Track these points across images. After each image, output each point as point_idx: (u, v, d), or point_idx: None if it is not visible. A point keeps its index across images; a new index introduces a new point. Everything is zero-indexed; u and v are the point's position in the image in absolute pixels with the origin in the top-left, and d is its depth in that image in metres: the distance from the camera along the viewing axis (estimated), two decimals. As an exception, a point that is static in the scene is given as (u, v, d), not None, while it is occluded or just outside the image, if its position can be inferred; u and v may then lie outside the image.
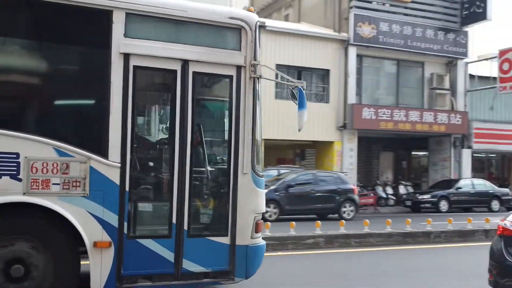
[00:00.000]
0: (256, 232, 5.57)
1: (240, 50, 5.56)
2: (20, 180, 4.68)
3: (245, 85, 5.54)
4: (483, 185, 21.22)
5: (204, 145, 5.61)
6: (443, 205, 19.43)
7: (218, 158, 6.01)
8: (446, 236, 10.86)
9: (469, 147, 22.92)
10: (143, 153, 5.62)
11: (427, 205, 19.39)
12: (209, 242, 5.46)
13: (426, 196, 19.76)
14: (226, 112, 5.67)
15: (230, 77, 5.54)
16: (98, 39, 5.17)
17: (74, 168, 4.84)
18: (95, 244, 4.91)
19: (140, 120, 5.52)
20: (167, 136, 5.48)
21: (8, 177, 4.63)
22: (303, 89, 5.61)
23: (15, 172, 4.67)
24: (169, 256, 5.25)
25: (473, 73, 23.35)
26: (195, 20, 5.41)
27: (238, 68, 5.53)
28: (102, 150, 4.96)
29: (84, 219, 4.88)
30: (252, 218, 5.53)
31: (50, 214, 4.78)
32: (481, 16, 20.91)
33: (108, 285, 4.97)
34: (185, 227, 5.28)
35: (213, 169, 5.77)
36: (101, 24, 5.08)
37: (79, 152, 4.86)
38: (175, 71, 5.33)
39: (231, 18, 5.52)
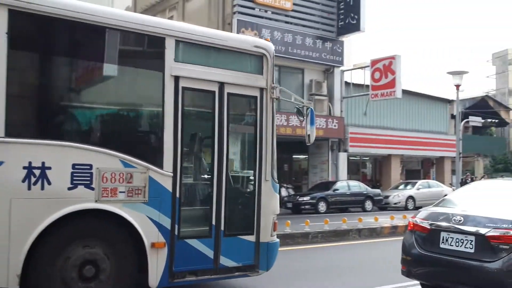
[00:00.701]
0: (274, 230, 6.49)
1: (262, 74, 6.46)
2: (93, 189, 5.22)
3: (266, 105, 6.45)
4: (357, 186, 22.54)
5: (239, 155, 6.72)
6: (322, 206, 20.30)
7: (246, 167, 6.89)
8: (323, 236, 11.36)
9: (345, 151, 24.23)
10: (189, 164, 6.30)
11: (307, 206, 20.13)
12: (240, 240, 6.28)
13: (306, 198, 20.51)
14: (252, 128, 6.51)
15: (255, 97, 6.43)
16: (155, 63, 5.89)
17: (136, 177, 5.46)
18: (152, 245, 5.55)
19: (186, 134, 6.07)
20: (208, 148, 6.22)
21: (83, 186, 5.18)
22: (313, 110, 6.90)
23: (88, 182, 5.22)
24: (209, 253, 6.00)
25: (349, 81, 24.74)
26: (229, 47, 6.29)
27: (261, 89, 6.43)
28: (158, 161, 5.63)
29: (144, 223, 5.52)
30: (271, 219, 6.46)
31: (115, 219, 5.39)
32: (355, 27, 22.23)
33: (163, 281, 5.63)
34: (222, 228, 6.06)
35: (243, 177, 6.69)
36: (157, 50, 5.84)
37: (140, 164, 5.50)
38: (213, 92, 6.12)
39: (256, 46, 6.45)
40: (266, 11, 20.96)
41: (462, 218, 5.89)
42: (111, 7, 8.72)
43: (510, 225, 5.53)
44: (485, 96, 51.06)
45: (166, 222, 5.68)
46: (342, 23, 22.52)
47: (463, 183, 29.82)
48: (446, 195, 9.28)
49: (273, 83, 6.49)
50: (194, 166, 6.41)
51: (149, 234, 5.54)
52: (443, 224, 6.03)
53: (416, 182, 25.10)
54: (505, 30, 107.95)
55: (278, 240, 6.65)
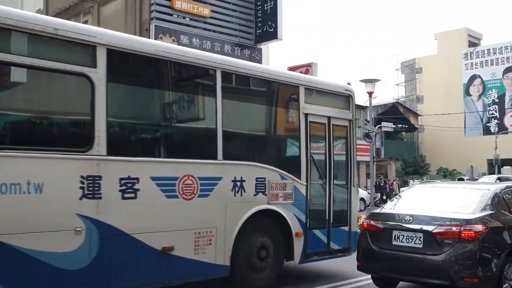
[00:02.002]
0: (357, 223, 8.63)
1: (349, 110, 9.06)
2: (266, 195, 7.46)
3: (352, 132, 9.05)
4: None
5: (338, 169, 8.89)
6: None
7: (343, 177, 8.97)
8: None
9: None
10: (313, 176, 8.31)
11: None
12: (341, 230, 8.68)
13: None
14: (344, 148, 9.03)
15: (346, 127, 8.98)
16: (294, 104, 8.18)
17: (288, 186, 7.77)
18: (296, 234, 7.81)
19: (312, 155, 8.31)
20: (322, 164, 8.51)
21: (261, 193, 7.40)
22: (382, 134, 10.57)
23: (264, 190, 7.43)
24: (325, 239, 8.37)
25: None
26: (331, 91, 8.85)
27: (350, 121, 9.01)
28: (298, 175, 7.96)
29: (291, 218, 7.77)
30: (357, 214, 9.06)
31: (273, 216, 7.59)
32: (273, 35, 22.58)
33: (301, 260, 7.97)
34: (331, 221, 8.45)
35: (341, 184, 8.92)
36: (295, 95, 8.15)
37: (290, 176, 7.82)
38: (325, 124, 8.57)
39: (346, 90, 9.03)
40: (184, 18, 20.82)
41: (411, 218, 6.76)
42: (20, 9, 8.59)
43: (453, 223, 6.44)
44: (395, 103, 53.80)
45: (302, 217, 7.96)
46: (260, 31, 22.81)
47: (377, 186, 31.15)
48: (362, 198, 11.62)
49: (355, 116, 9.21)
50: (315, 178, 8.42)
51: (294, 226, 7.81)
52: (395, 223, 6.92)
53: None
54: (411, 41, 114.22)
55: (359, 230, 8.30)
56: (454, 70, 54.72)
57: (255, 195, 7.28)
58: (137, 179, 5.98)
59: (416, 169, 48.90)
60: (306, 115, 8.12)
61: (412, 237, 6.66)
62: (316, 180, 8.39)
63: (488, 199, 6.99)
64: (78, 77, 5.69)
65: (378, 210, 7.91)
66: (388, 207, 7.73)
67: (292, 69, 23.89)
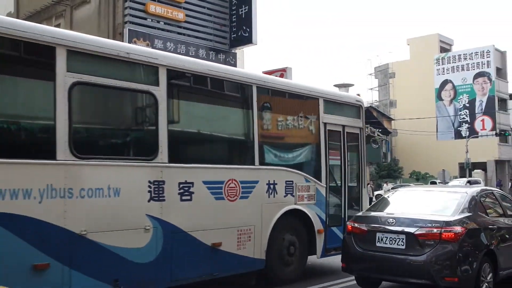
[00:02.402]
0: None
1: (360, 119, 10.17)
2: (293, 196, 8.42)
3: (362, 138, 10.23)
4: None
5: (351, 171, 9.96)
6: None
7: (355, 179, 10.09)
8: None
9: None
10: (331, 178, 9.27)
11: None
12: None
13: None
14: (356, 153, 10.19)
15: (357, 134, 10.12)
16: (316, 114, 9.18)
17: (311, 188, 8.74)
18: (318, 231, 8.77)
19: (329, 159, 9.32)
20: (338, 167, 9.54)
21: (290, 194, 8.35)
22: (388, 141, 13.70)
23: (292, 192, 8.38)
24: (340, 235, 9.02)
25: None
26: (345, 102, 10.04)
27: (360, 129, 10.17)
28: (319, 178, 8.96)
29: (314, 217, 8.74)
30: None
31: (299, 215, 8.55)
32: (247, 40, 22.62)
33: (322, 254, 8.95)
34: (346, 219, 9.13)
35: (354, 186, 10.01)
36: (314, 106, 9.18)
37: (312, 179, 8.81)
38: (340, 132, 9.62)
39: (357, 100, 10.28)
40: (158, 22, 20.73)
41: (394, 220, 7.01)
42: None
43: (433, 224, 6.71)
44: (369, 107, 54.36)
45: (323, 215, 8.94)
46: (234, 35, 22.84)
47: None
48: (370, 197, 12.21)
49: (365, 124, 10.48)
50: (333, 180, 9.38)
51: (316, 224, 8.75)
52: (378, 225, 7.17)
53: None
54: (384, 46, 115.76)
55: None
56: (426, 75, 55.64)
57: (285, 196, 8.29)
58: (192, 183, 6.93)
59: (389, 172, 49.50)
60: (325, 124, 9.25)
61: (395, 239, 6.88)
62: (333, 182, 9.40)
63: (466, 202, 7.28)
64: (144, 95, 6.68)
65: (361, 213, 8.14)
66: (372, 210, 7.98)
67: (268, 73, 23.86)
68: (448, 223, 6.70)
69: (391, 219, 7.06)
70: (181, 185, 6.79)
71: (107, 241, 5.92)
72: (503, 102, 55.85)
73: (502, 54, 56.94)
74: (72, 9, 22.86)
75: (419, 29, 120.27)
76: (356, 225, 7.42)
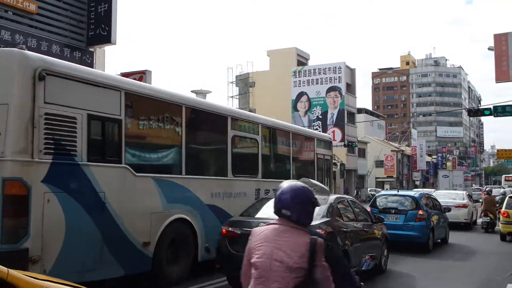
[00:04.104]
0: None
1: (330, 149, 18.65)
2: None
3: (331, 160, 18.55)
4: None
5: (327, 183, 17.38)
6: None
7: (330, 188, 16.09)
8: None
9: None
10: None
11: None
12: None
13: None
14: (328, 172, 17.98)
15: (329, 160, 18.16)
16: (313, 148, 16.79)
17: None
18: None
19: (319, 176, 16.65)
20: (322, 181, 15.90)
21: None
22: (344, 165, 23.82)
23: None
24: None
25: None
26: (324, 139, 18.17)
27: (330, 156, 18.43)
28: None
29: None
30: None
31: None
32: (106, 38, 21.79)
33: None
34: None
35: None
36: (312, 143, 16.85)
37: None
38: (322, 159, 17.37)
39: (329, 138, 19.04)
40: (6, 11, 19.13)
41: (263, 224, 7.16)
42: None
43: None
44: (230, 114, 55.06)
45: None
46: (92, 33, 21.88)
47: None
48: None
49: (332, 153, 18.54)
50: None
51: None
52: (250, 229, 7.15)
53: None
54: (246, 56, 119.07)
55: None
56: (284, 86, 58.29)
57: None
58: (268, 190, 12.53)
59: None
60: (316, 153, 16.47)
61: None
62: None
63: (325, 208, 7.99)
64: (253, 140, 12.86)
65: (235, 218, 8.63)
66: (246, 215, 8.53)
67: (126, 75, 23.31)
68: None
69: (261, 223, 7.45)
70: (265, 191, 12.86)
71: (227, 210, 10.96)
72: (351, 115, 60.41)
73: (352, 71, 61.66)
74: None
75: (279, 42, 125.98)
76: (230, 229, 7.93)
